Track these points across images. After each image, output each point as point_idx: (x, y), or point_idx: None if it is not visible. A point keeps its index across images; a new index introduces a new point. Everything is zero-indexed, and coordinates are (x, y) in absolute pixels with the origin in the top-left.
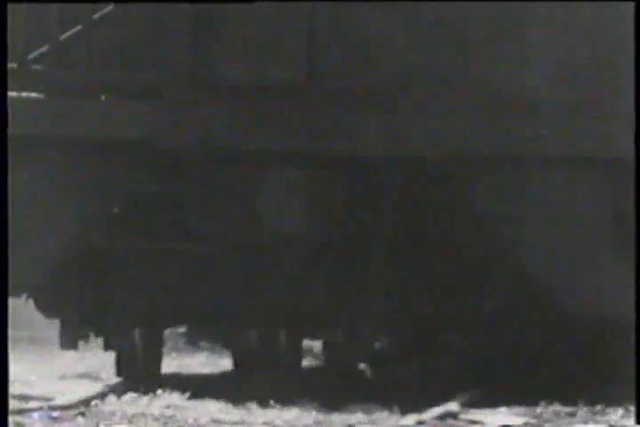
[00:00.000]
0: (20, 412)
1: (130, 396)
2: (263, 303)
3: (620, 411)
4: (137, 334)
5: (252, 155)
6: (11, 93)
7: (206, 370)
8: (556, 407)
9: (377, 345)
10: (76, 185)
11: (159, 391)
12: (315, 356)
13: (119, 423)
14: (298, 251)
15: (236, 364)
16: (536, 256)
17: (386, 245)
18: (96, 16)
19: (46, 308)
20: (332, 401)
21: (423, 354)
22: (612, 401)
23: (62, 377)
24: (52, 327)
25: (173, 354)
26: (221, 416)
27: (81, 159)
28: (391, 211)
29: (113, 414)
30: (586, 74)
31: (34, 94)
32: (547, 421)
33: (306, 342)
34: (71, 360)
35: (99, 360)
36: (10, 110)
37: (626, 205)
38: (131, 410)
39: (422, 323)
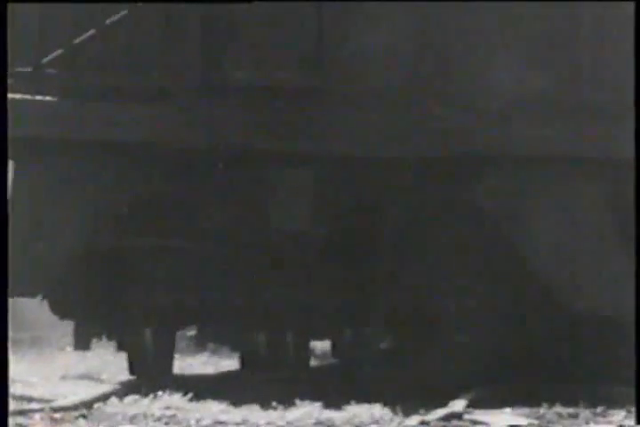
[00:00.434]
0: (21, 413)
1: (132, 397)
2: (271, 303)
3: (623, 412)
4: (149, 333)
5: (261, 155)
6: (25, 97)
7: (209, 370)
8: (559, 409)
9: (382, 345)
10: (88, 186)
11: (160, 392)
12: (319, 356)
13: (121, 425)
14: (305, 250)
15: (243, 364)
16: (539, 255)
17: (392, 244)
18: (109, 21)
19: (60, 308)
20: (336, 401)
21: (428, 353)
22: (614, 402)
23: (63, 378)
24: (53, 328)
25: (175, 355)
26: (224, 417)
27: (93, 161)
28: (397, 210)
29: (115, 415)
30: (588, 74)
31: (48, 97)
32: (549, 422)
33: (313, 343)
34: (72, 361)
35: (100, 361)
36: (24, 113)
37: (628, 205)
38: (132, 411)
39: (428, 322)
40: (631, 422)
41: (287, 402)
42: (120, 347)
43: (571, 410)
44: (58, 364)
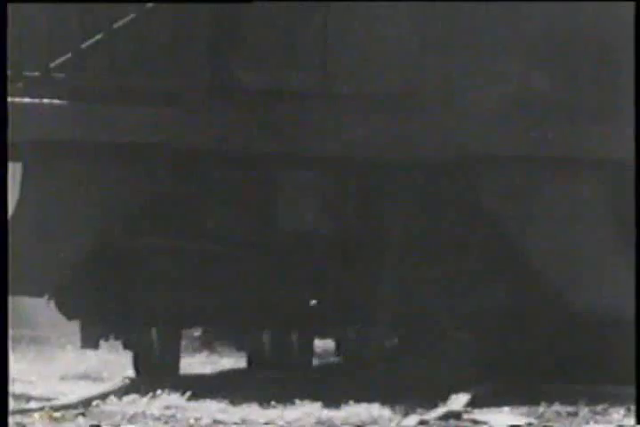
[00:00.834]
0: (21, 412)
1: (131, 396)
2: (276, 302)
3: (622, 411)
4: (155, 333)
5: (267, 157)
6: (34, 100)
7: (207, 369)
8: (558, 407)
9: (387, 344)
10: (96, 188)
11: (159, 392)
12: (319, 354)
13: (120, 424)
14: (310, 250)
15: (249, 363)
16: (540, 255)
17: (397, 244)
18: (116, 25)
19: (67, 308)
20: (335, 401)
21: (433, 351)
22: (614, 401)
23: (63, 377)
24: (53, 327)
25: None
26: (223, 416)
27: (102, 162)
28: (402, 211)
29: (114, 414)
30: (591, 75)
31: (56, 101)
32: (548, 421)
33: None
34: (72, 360)
35: (100, 360)
36: (34, 116)
37: (628, 204)
38: (132, 410)
39: (433, 321)
40: (631, 421)
41: (287, 401)
42: (126, 346)
43: (570, 409)
44: (57, 363)
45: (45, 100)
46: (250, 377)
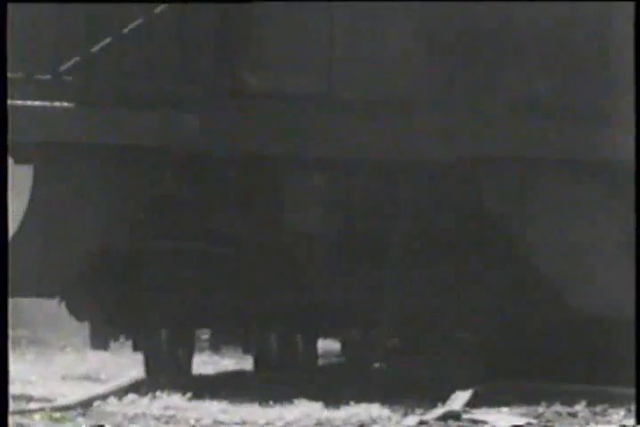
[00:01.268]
0: (21, 412)
1: (131, 397)
2: (283, 303)
3: (622, 411)
4: (167, 334)
5: (273, 159)
6: (44, 103)
7: (209, 370)
8: (558, 408)
9: (390, 343)
10: (105, 190)
11: (159, 392)
12: (322, 355)
13: (120, 424)
14: (317, 251)
15: (256, 364)
16: (542, 255)
17: (401, 245)
18: (125, 30)
19: (77, 310)
20: (335, 401)
21: (435, 352)
22: (615, 401)
23: (63, 378)
24: (52, 328)
25: None
26: (223, 417)
27: (109, 165)
28: (406, 212)
29: (114, 414)
30: (593, 77)
31: (66, 104)
32: (548, 421)
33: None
34: (72, 361)
35: (100, 361)
36: (43, 119)
37: (629, 205)
38: (132, 411)
39: (436, 320)
40: (631, 421)
41: (287, 402)
42: (136, 347)
43: (570, 409)
44: (57, 364)
45: (55, 103)
46: (253, 378)
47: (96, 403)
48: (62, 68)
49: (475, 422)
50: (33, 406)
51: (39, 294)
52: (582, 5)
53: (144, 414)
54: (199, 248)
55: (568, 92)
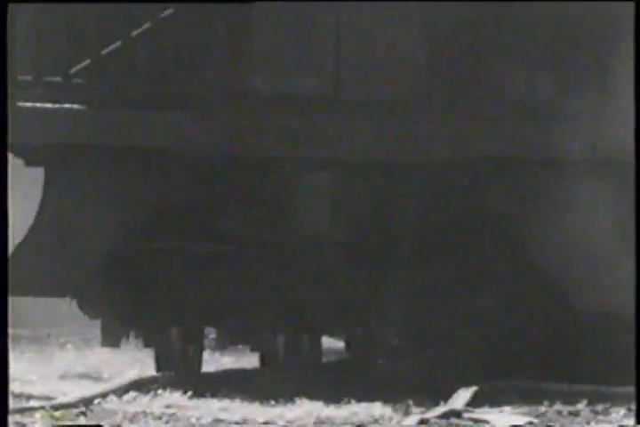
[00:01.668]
0: (21, 411)
1: (131, 395)
2: (290, 303)
3: (623, 411)
4: (177, 332)
5: (282, 161)
6: (54, 106)
7: (209, 368)
8: (559, 407)
9: (394, 342)
10: (116, 191)
11: (160, 390)
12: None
13: (121, 423)
14: (323, 252)
15: (262, 362)
16: (550, 255)
17: (408, 245)
18: (134, 33)
19: (89, 308)
20: (336, 400)
21: (440, 350)
22: (615, 401)
23: (63, 376)
24: (53, 327)
25: None
26: (224, 415)
27: (119, 167)
28: (412, 212)
29: (114, 413)
30: (595, 78)
31: (76, 106)
32: (550, 420)
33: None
34: (72, 359)
35: (100, 359)
36: (54, 121)
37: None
38: (132, 409)
39: (440, 320)
40: (631, 421)
41: (287, 400)
42: (147, 345)
43: (571, 408)
44: (58, 362)
45: (66, 105)
46: (253, 376)
47: (96, 401)
48: (72, 70)
49: (476, 421)
50: (33, 404)
51: (51, 294)
52: (585, 5)
53: (145, 413)
54: (208, 248)
55: (571, 93)
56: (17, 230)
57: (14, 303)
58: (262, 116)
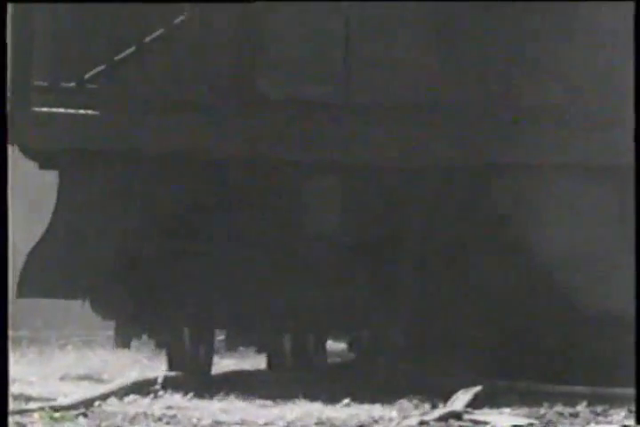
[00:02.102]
0: (21, 412)
1: (132, 397)
2: (299, 305)
3: (623, 412)
4: (188, 333)
5: (292, 164)
6: (69, 111)
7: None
8: (559, 408)
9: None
10: (129, 194)
11: (161, 392)
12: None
13: (121, 424)
14: (332, 254)
15: (269, 365)
16: (554, 258)
17: (415, 247)
18: (148, 38)
19: (101, 309)
20: (335, 401)
21: (444, 352)
22: (616, 402)
23: (63, 377)
24: (52, 328)
25: None
26: (224, 417)
27: (133, 170)
28: (419, 216)
29: (115, 414)
30: (601, 81)
31: (90, 111)
32: (550, 422)
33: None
34: (72, 361)
35: (100, 361)
36: (68, 126)
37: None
38: (133, 411)
39: (445, 322)
40: (631, 421)
41: (288, 401)
42: (159, 345)
43: (571, 410)
44: (58, 363)
45: (80, 111)
46: (253, 377)
47: (97, 403)
48: (87, 76)
49: (476, 422)
50: (33, 405)
51: (66, 296)
52: (596, 9)
53: (145, 414)
54: (218, 250)
55: (581, 97)
56: (17, 230)
57: (15, 305)
58: (272, 120)
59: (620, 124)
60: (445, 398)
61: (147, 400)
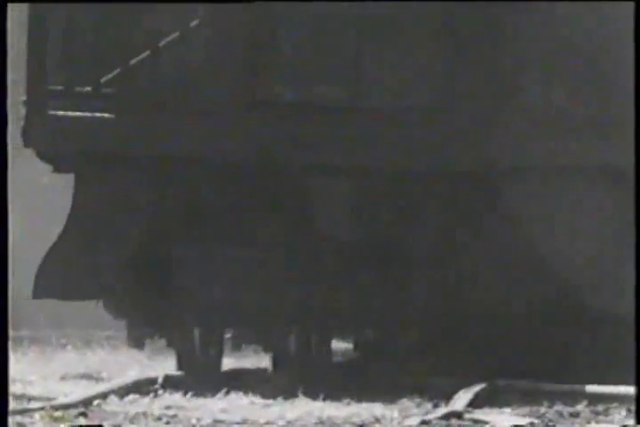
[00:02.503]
0: (22, 412)
1: (132, 396)
2: (306, 305)
3: (623, 411)
4: (196, 333)
5: (304, 167)
6: (85, 114)
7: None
8: (559, 408)
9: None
10: (143, 196)
11: (160, 391)
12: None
13: (121, 423)
14: (342, 255)
15: (274, 364)
16: (562, 259)
17: (424, 249)
18: (162, 43)
19: (114, 309)
20: (336, 400)
21: (447, 352)
22: (616, 401)
23: (63, 377)
24: (52, 327)
25: None
26: (224, 416)
27: (148, 173)
28: (428, 218)
29: (115, 414)
30: (608, 86)
31: (106, 114)
32: (550, 421)
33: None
34: (72, 360)
35: (100, 360)
36: (84, 129)
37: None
38: (133, 410)
39: (455, 323)
40: (631, 421)
41: (288, 400)
42: (169, 345)
43: (572, 409)
44: (58, 363)
45: (96, 114)
46: (253, 376)
47: (96, 402)
48: (102, 80)
49: (477, 421)
50: (33, 405)
51: (80, 297)
52: (604, 12)
53: (145, 414)
54: (230, 252)
55: (587, 100)
56: (17, 231)
57: (15, 305)
58: (284, 123)
59: (622, 125)
60: (447, 397)
61: (146, 400)
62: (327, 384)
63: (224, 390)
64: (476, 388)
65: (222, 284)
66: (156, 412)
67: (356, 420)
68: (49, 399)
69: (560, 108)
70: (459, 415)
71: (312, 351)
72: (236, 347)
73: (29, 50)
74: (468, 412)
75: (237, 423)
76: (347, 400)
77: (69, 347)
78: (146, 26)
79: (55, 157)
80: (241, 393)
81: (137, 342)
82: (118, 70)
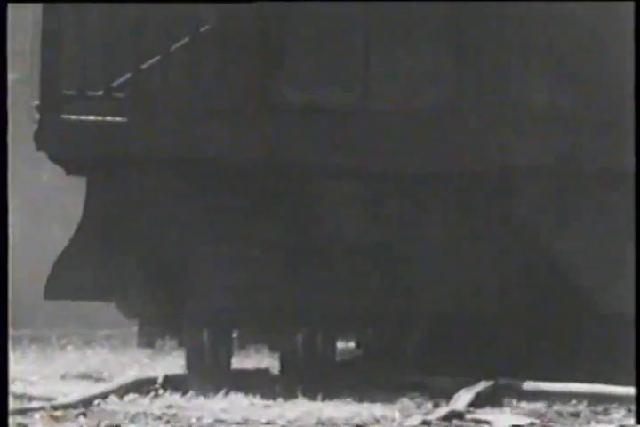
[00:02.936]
0: (22, 411)
1: (132, 396)
2: (313, 305)
3: (623, 411)
4: (207, 333)
5: (312, 170)
6: (97, 118)
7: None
8: (560, 407)
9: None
10: (155, 199)
11: (161, 391)
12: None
13: (121, 423)
14: (350, 256)
15: (282, 365)
16: (572, 260)
17: (431, 251)
18: (173, 47)
19: (127, 309)
20: (337, 400)
21: (454, 351)
22: (616, 401)
23: (64, 377)
24: (52, 327)
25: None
26: (224, 416)
27: (159, 175)
28: (436, 220)
29: (115, 413)
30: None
31: (118, 118)
32: (550, 421)
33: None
34: (72, 360)
35: (100, 360)
36: (96, 133)
37: None
38: (133, 410)
39: (469, 323)
40: (631, 421)
41: (288, 400)
42: (180, 345)
43: (572, 409)
44: (58, 362)
45: (107, 118)
46: (253, 376)
47: (96, 402)
48: (114, 84)
49: (477, 421)
50: (33, 404)
51: (93, 298)
52: (610, 13)
53: (145, 413)
54: (239, 253)
55: (596, 102)
56: (17, 231)
57: (15, 305)
58: (293, 126)
59: (623, 125)
60: (447, 397)
61: (146, 399)
62: (329, 384)
63: (224, 391)
64: (477, 388)
65: (232, 284)
66: (157, 411)
67: (357, 420)
68: (49, 399)
69: (563, 109)
70: (459, 415)
71: (317, 352)
72: (242, 346)
73: (42, 55)
74: (469, 412)
75: (237, 423)
76: (347, 400)
77: (69, 347)
78: (157, 31)
79: (68, 161)
80: (236, 393)
81: (148, 342)
82: (130, 74)
